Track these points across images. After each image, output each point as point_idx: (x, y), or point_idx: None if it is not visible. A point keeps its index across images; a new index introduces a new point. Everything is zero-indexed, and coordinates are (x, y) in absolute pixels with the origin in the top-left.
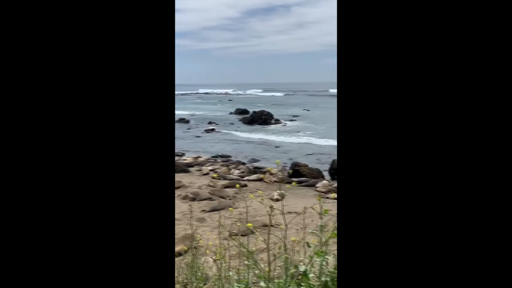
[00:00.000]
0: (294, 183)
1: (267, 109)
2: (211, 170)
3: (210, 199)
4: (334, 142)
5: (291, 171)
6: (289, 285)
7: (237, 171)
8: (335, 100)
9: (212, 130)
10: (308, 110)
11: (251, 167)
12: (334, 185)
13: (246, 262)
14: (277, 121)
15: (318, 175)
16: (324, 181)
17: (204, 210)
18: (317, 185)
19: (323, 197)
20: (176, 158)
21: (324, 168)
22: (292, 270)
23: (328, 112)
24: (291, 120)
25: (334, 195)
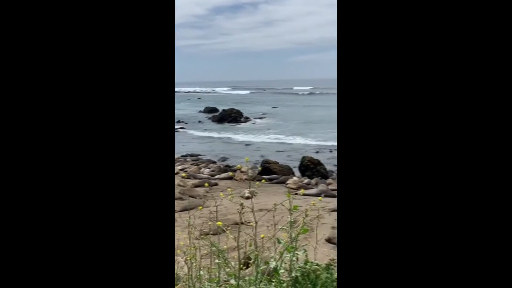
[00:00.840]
0: (263, 180)
1: (236, 107)
2: (180, 170)
3: (180, 198)
4: (303, 139)
5: (260, 168)
6: (260, 282)
7: (208, 170)
8: (301, 97)
9: (181, 128)
10: (277, 108)
11: (221, 166)
12: (304, 181)
13: (217, 261)
14: (247, 119)
15: (288, 172)
16: (295, 178)
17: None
18: (288, 182)
19: (293, 194)
20: None
21: (294, 165)
22: (263, 267)
23: (297, 109)
24: (261, 118)
25: (303, 191)
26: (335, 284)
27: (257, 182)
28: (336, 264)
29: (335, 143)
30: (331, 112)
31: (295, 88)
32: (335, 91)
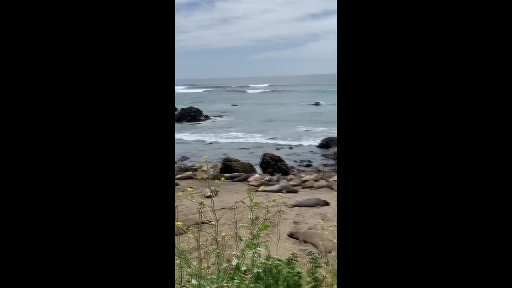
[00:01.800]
0: (223, 179)
1: (195, 106)
2: None
3: None
4: (263, 136)
5: (220, 166)
6: (222, 280)
7: None
8: (259, 95)
9: None
10: (236, 106)
11: (182, 166)
12: (266, 178)
13: (178, 262)
14: (207, 117)
15: (250, 169)
16: (256, 175)
17: None
18: (250, 179)
19: (254, 191)
20: None
21: (256, 162)
22: (225, 265)
23: (256, 107)
24: (221, 116)
25: (263, 187)
26: (296, 278)
27: (217, 181)
28: (297, 259)
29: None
30: (289, 109)
31: (252, 85)
32: (293, 88)
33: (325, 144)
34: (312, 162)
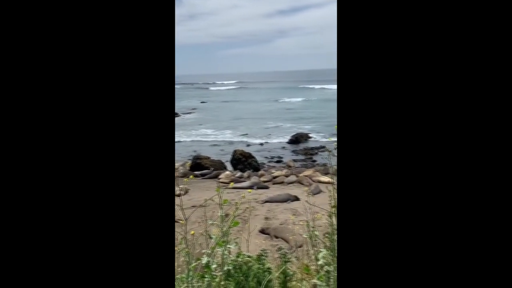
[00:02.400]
0: (191, 176)
1: None
2: None
3: None
4: (233, 133)
5: (188, 164)
6: (192, 279)
7: None
8: (228, 92)
9: None
10: (205, 103)
11: None
12: (236, 175)
13: None
14: (176, 115)
15: (220, 166)
16: (227, 172)
17: None
18: (220, 176)
19: (224, 188)
20: None
21: (226, 159)
22: (195, 263)
23: (225, 104)
24: (189, 113)
25: (232, 184)
26: (266, 274)
27: (185, 179)
28: (267, 254)
29: (264, 136)
30: (258, 105)
31: (220, 82)
32: (261, 85)
33: (294, 140)
34: (282, 158)
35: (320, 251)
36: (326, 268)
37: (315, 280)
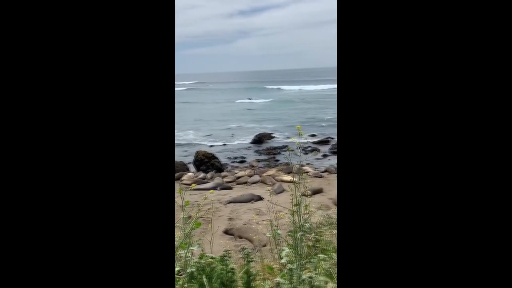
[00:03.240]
0: None
1: None
2: None
3: None
4: (196, 134)
5: None
6: None
7: None
8: (188, 92)
9: None
10: None
11: None
12: (199, 176)
13: None
14: None
15: (183, 167)
16: (190, 173)
17: None
18: (183, 177)
19: (187, 189)
20: None
21: (189, 160)
22: None
23: (185, 105)
24: None
25: (194, 185)
26: (230, 274)
27: None
28: (230, 255)
29: (227, 136)
30: (220, 106)
31: (181, 82)
32: (222, 85)
33: (257, 140)
34: (245, 158)
35: (283, 250)
36: (289, 266)
37: (278, 279)
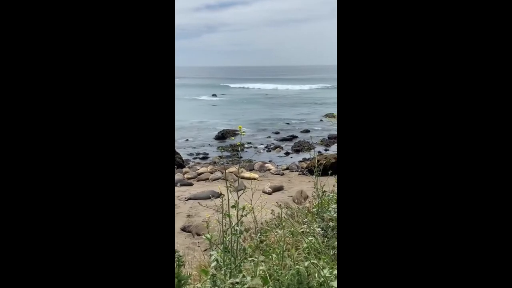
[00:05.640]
0: None
1: None
2: None
3: None
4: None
5: None
6: None
7: None
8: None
9: None
10: None
11: None
12: None
13: None
14: None
15: None
16: None
17: None
18: None
19: None
20: None
21: None
22: None
23: None
24: None
25: None
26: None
27: None
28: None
29: (190, 132)
30: (184, 101)
31: None
32: (188, 81)
33: (221, 136)
34: (208, 154)
35: (211, 254)
36: (211, 271)
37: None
